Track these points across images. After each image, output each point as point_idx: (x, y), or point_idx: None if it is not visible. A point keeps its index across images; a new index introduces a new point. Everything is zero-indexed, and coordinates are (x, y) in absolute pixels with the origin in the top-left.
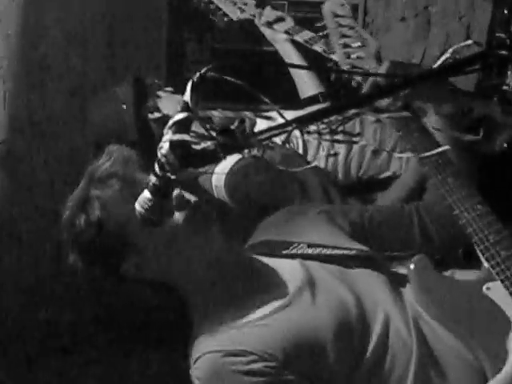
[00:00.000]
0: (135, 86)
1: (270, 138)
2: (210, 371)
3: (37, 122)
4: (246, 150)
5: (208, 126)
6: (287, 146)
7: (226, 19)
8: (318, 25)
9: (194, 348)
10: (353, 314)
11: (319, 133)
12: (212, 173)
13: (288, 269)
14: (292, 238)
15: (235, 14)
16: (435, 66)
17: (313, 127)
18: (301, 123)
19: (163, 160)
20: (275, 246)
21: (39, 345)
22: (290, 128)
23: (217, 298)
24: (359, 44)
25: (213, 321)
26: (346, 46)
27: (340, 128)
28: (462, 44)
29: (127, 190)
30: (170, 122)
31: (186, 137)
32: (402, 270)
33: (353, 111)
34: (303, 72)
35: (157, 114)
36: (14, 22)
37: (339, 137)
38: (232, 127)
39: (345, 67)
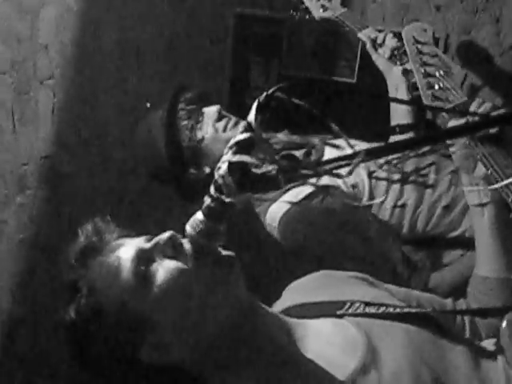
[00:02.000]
0: (170, 109)
1: (336, 168)
2: None
3: (84, 139)
4: (310, 180)
5: (271, 149)
6: (353, 190)
7: (308, 16)
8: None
9: None
10: None
11: (389, 180)
12: (269, 205)
13: (342, 337)
14: (338, 298)
15: (317, 12)
16: None
17: (382, 173)
18: (370, 155)
19: (220, 181)
20: (321, 307)
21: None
22: (357, 160)
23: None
24: (442, 73)
25: None
26: (427, 75)
27: (412, 177)
28: None
29: (110, 261)
30: (232, 142)
31: (246, 158)
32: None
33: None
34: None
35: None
36: (70, 30)
37: (410, 186)
38: (296, 153)
39: (426, 100)
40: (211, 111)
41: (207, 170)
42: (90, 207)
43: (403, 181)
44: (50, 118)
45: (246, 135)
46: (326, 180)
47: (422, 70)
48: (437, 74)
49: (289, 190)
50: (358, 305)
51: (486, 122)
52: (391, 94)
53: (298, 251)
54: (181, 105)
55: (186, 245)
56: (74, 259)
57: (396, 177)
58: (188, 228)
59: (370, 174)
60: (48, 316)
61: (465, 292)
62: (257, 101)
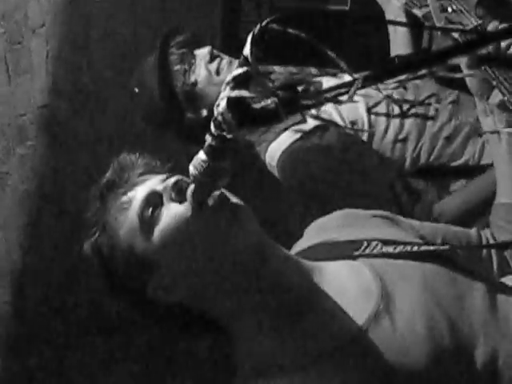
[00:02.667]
0: (162, 45)
1: (335, 96)
2: None
3: (81, 86)
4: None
5: (269, 82)
6: (354, 126)
7: None
8: None
9: None
10: (447, 344)
11: (388, 115)
12: (268, 144)
13: (356, 283)
14: (357, 237)
15: None
16: None
17: (382, 108)
18: (369, 80)
19: (219, 118)
20: (339, 247)
21: (81, 326)
22: (356, 86)
23: (265, 322)
24: None
25: (263, 357)
26: None
27: (412, 110)
28: None
29: (124, 199)
30: (228, 78)
31: (244, 93)
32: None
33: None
34: (400, 34)
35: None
36: None
37: (410, 120)
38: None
39: (439, 23)
40: (203, 53)
41: (204, 112)
42: (91, 154)
43: (403, 114)
44: (44, 66)
45: (242, 69)
46: (324, 116)
47: None
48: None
49: (287, 128)
50: (374, 244)
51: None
52: (389, 27)
53: (300, 190)
54: (172, 49)
55: (190, 191)
56: (95, 195)
57: (396, 111)
58: (191, 168)
59: (369, 110)
60: (57, 266)
61: (470, 221)
62: (251, 33)
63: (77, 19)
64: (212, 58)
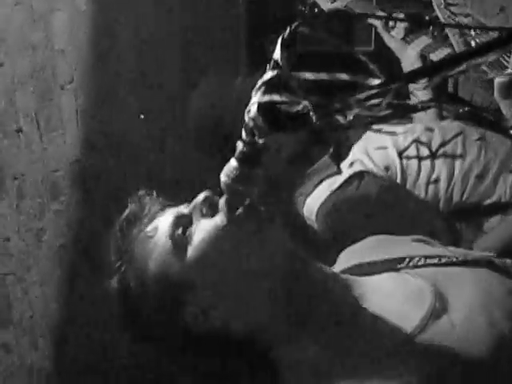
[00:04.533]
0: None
1: (369, 98)
2: None
3: (111, 139)
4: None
5: (300, 86)
6: (386, 173)
7: (316, 10)
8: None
9: None
10: (510, 338)
11: (419, 157)
12: (304, 199)
13: (405, 289)
14: (396, 255)
15: (326, 4)
16: None
17: (412, 151)
18: (400, 81)
19: (251, 124)
20: (378, 266)
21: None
22: (389, 88)
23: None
24: (478, 31)
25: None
26: (463, 34)
27: (441, 150)
28: None
29: (150, 228)
30: (259, 82)
31: (275, 97)
32: None
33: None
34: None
35: None
36: (83, 32)
37: (440, 160)
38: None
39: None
40: None
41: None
42: (124, 207)
43: (433, 155)
44: (74, 121)
45: (273, 73)
46: (358, 166)
47: (457, 31)
48: (472, 32)
49: (323, 180)
50: (417, 259)
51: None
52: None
53: (341, 241)
54: None
55: (222, 201)
56: (117, 230)
57: (425, 153)
58: (222, 177)
59: (400, 154)
60: (95, 319)
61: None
62: (281, 37)
63: (104, 73)
64: None
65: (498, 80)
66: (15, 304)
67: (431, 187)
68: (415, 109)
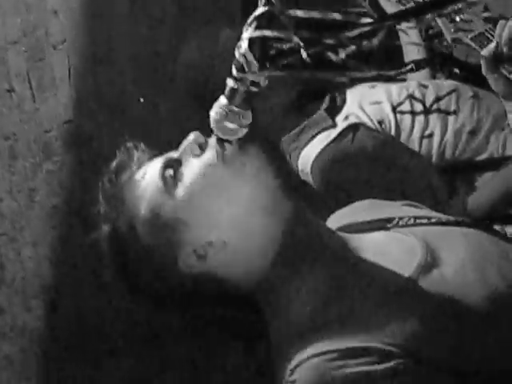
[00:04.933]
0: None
1: (360, 34)
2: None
3: (104, 100)
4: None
5: (292, 21)
6: (380, 126)
7: None
8: None
9: (284, 357)
10: (501, 290)
11: (413, 112)
12: (299, 152)
13: (397, 245)
14: (386, 216)
15: None
16: None
17: (406, 106)
18: (392, 19)
19: (241, 60)
20: (369, 225)
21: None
22: (381, 25)
23: (306, 283)
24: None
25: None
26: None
27: (435, 106)
28: None
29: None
30: (251, 17)
31: (266, 33)
32: None
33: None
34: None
35: None
36: None
37: (434, 116)
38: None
39: (449, 36)
40: None
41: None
42: None
43: (426, 111)
44: (67, 82)
45: (264, 8)
46: (352, 119)
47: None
48: (456, 6)
49: (317, 134)
50: (407, 219)
51: None
52: (402, 39)
53: (337, 193)
54: None
55: (212, 139)
56: (106, 178)
57: (419, 108)
58: (212, 113)
59: (394, 109)
60: (87, 280)
61: (501, 211)
62: None
63: (98, 34)
64: None
65: (483, 54)
66: (7, 265)
67: (425, 142)
68: (411, 71)
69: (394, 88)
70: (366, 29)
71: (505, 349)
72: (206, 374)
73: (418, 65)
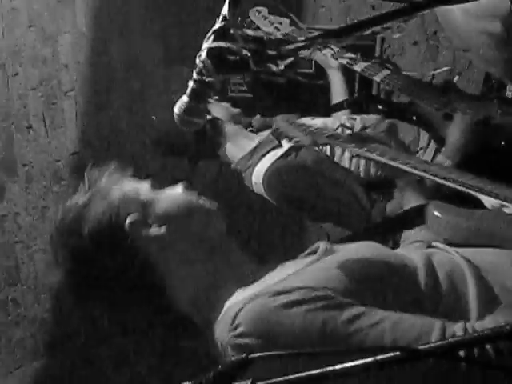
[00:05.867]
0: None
1: (298, 49)
2: (258, 317)
3: (103, 136)
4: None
5: (242, 33)
6: (318, 148)
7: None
8: None
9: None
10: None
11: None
12: (253, 168)
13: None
14: None
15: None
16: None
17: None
18: (326, 36)
19: (201, 65)
20: None
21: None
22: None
23: None
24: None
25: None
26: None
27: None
28: None
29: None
30: (210, 32)
31: (222, 44)
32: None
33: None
34: (338, 84)
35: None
36: (84, 51)
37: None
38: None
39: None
40: None
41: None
42: None
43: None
44: (74, 121)
45: (221, 24)
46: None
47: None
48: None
49: (267, 153)
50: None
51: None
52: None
53: (282, 201)
54: None
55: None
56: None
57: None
58: (175, 109)
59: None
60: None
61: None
62: None
63: (99, 84)
64: None
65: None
66: (22, 267)
67: (354, 161)
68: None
69: (329, 119)
70: (301, 44)
71: None
72: None
73: (341, 106)
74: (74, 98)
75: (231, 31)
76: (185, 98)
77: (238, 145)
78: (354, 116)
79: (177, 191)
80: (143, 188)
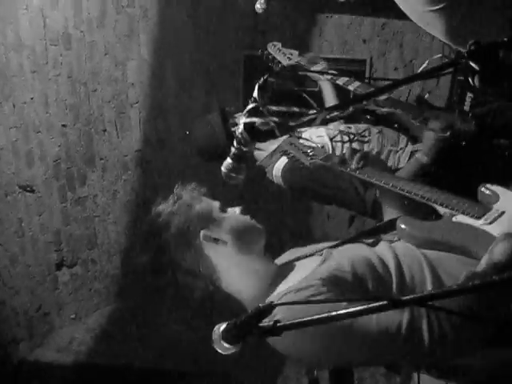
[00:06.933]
0: (221, 112)
1: (306, 123)
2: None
3: (160, 138)
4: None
5: (269, 109)
6: (324, 148)
7: (280, 65)
8: None
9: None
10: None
11: (342, 141)
12: (273, 165)
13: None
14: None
15: (285, 62)
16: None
17: (338, 138)
18: (326, 110)
19: (239, 136)
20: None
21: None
22: (318, 116)
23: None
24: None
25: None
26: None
27: (356, 137)
28: (435, 57)
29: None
30: (245, 110)
31: (255, 119)
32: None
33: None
34: (329, 91)
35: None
36: (146, 73)
37: (355, 143)
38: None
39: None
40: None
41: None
42: (167, 178)
43: (351, 141)
44: (138, 126)
45: (253, 105)
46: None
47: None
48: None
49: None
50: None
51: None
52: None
53: (295, 189)
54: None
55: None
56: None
57: (346, 139)
58: (222, 168)
59: (331, 139)
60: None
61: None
62: (257, 83)
63: (157, 98)
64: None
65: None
66: (99, 235)
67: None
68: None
69: (330, 127)
70: (312, 117)
71: None
72: None
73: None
74: (138, 109)
75: (261, 109)
76: (229, 160)
77: (262, 148)
78: (349, 124)
79: (236, 212)
80: (215, 207)
